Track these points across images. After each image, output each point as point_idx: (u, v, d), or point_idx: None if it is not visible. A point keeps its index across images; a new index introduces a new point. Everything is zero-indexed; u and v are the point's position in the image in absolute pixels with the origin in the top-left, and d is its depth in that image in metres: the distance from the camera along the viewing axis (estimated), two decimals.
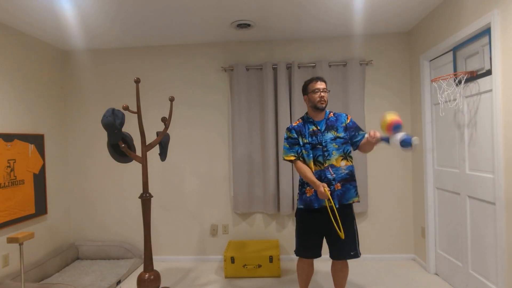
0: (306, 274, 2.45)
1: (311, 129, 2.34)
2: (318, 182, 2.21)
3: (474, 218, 2.53)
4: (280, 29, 3.31)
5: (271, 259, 3.17)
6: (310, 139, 2.32)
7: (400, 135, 2.03)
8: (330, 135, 2.31)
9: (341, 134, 2.32)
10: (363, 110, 3.46)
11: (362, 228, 3.57)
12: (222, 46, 3.67)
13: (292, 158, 2.35)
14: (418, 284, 2.94)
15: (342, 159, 2.30)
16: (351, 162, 2.35)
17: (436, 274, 3.12)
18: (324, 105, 2.31)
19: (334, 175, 2.27)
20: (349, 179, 2.31)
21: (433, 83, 3.02)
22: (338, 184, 2.28)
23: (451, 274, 2.86)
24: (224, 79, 3.67)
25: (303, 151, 2.33)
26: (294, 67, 3.47)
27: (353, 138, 2.35)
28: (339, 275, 2.40)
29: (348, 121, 2.36)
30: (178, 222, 3.71)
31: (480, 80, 2.39)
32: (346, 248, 2.29)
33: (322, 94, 2.30)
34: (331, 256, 2.34)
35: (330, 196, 2.14)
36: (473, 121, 2.51)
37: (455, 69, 2.70)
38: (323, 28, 3.31)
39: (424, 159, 3.18)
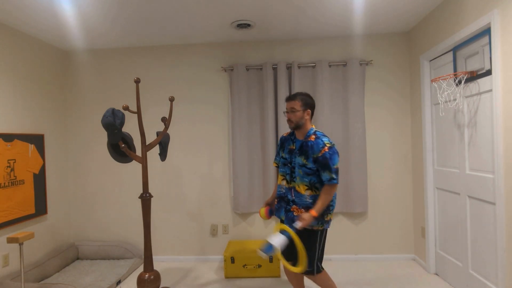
0: (291, 276, 2.43)
1: (289, 147, 2.30)
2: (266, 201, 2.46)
3: (474, 218, 2.53)
4: (280, 29, 3.31)
5: (271, 259, 3.17)
6: (286, 155, 2.30)
7: (271, 241, 2.04)
8: (299, 160, 2.20)
9: (309, 165, 2.16)
10: (363, 110, 3.46)
11: (362, 228, 3.57)
12: (222, 46, 3.67)
13: (275, 165, 2.52)
14: (418, 284, 2.94)
15: (307, 189, 2.19)
16: (317, 192, 2.19)
17: (436, 274, 3.12)
18: (292, 125, 2.23)
19: (294, 198, 2.23)
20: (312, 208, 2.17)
21: (433, 83, 3.02)
22: (298, 209, 2.20)
23: (451, 274, 2.86)
24: (224, 79, 3.67)
25: (279, 162, 2.42)
26: (294, 67, 3.47)
27: (320, 176, 2.18)
28: (295, 277, 2.43)
29: (320, 155, 2.12)
30: (178, 222, 3.71)
31: (480, 80, 2.39)
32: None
33: (289, 115, 2.23)
34: None
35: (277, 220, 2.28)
36: (473, 121, 2.51)
37: (455, 69, 2.70)
38: (323, 28, 3.31)
39: (424, 159, 3.18)
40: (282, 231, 2.09)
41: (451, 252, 2.86)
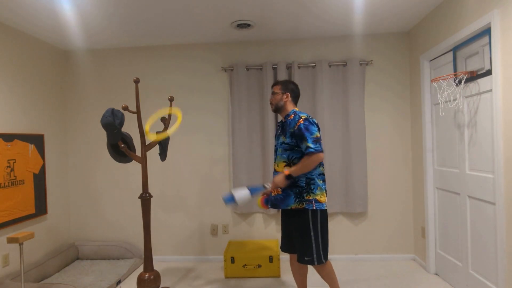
0: (294, 269, 2.45)
1: (277, 132, 2.41)
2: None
3: (474, 218, 2.53)
4: (280, 29, 3.30)
5: (271, 259, 3.17)
6: (275, 140, 2.42)
7: (233, 192, 2.17)
8: (280, 139, 2.30)
9: (287, 140, 2.24)
10: (363, 110, 3.46)
11: (362, 228, 3.57)
12: (222, 46, 3.67)
13: None
14: (418, 284, 2.94)
15: (285, 165, 2.25)
16: None
17: (436, 274, 3.12)
18: (272, 108, 2.39)
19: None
20: (290, 185, 2.23)
21: (433, 83, 3.02)
22: (278, 189, 2.27)
23: (451, 274, 2.86)
24: (224, 79, 3.67)
25: None
26: (294, 67, 3.47)
27: (300, 147, 2.24)
28: (298, 273, 2.45)
29: (296, 128, 2.19)
30: (178, 222, 3.71)
31: (480, 80, 2.39)
32: (300, 252, 2.25)
33: (270, 99, 2.39)
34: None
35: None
36: (473, 121, 2.50)
37: (455, 69, 2.70)
38: (323, 28, 3.31)
39: (424, 159, 3.18)
40: (251, 188, 2.18)
41: (451, 252, 2.86)
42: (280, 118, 3.48)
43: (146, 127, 2.47)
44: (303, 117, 2.22)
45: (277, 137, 2.38)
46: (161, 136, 2.49)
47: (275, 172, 2.33)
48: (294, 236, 2.30)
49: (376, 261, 3.53)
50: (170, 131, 2.53)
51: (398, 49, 3.52)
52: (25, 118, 3.19)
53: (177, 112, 2.61)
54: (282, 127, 2.32)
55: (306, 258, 2.22)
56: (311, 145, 2.14)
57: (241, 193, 2.12)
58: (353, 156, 3.44)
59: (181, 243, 3.71)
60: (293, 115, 2.28)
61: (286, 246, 2.41)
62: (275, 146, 2.38)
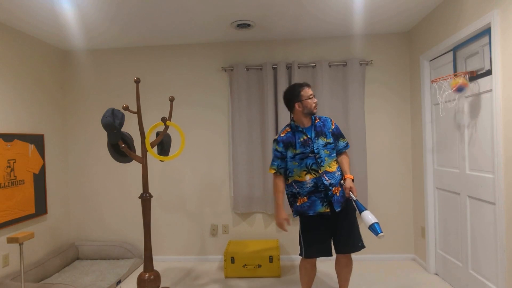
0: (308, 275, 2.43)
1: (301, 139, 2.30)
2: (280, 212, 2.33)
3: (474, 218, 2.53)
4: (280, 29, 3.31)
5: (271, 259, 3.17)
6: (301, 149, 2.29)
7: (372, 220, 2.06)
8: (321, 141, 2.31)
9: (331, 140, 2.34)
10: (363, 110, 3.46)
11: (362, 227, 3.56)
12: (222, 46, 3.67)
13: (272, 171, 2.38)
14: (418, 284, 2.94)
15: (335, 163, 2.36)
16: (337, 163, 2.42)
17: (436, 274, 3.12)
18: (316, 110, 2.37)
19: (330, 181, 2.28)
20: (342, 177, 2.38)
21: (433, 83, 3.02)
22: (337, 188, 2.30)
23: (451, 274, 2.86)
24: (224, 79, 3.67)
25: (293, 162, 2.31)
26: (294, 67, 3.47)
27: (335, 147, 2.39)
28: (345, 270, 2.41)
29: (333, 127, 2.39)
30: (178, 222, 3.71)
31: (480, 80, 2.39)
32: (355, 241, 2.30)
33: (315, 99, 2.33)
34: (340, 251, 2.33)
35: (285, 229, 2.36)
36: (473, 121, 2.50)
37: (455, 69, 2.70)
38: (323, 28, 3.31)
39: (424, 159, 3.18)
40: (360, 211, 2.15)
41: (451, 252, 2.86)
42: (282, 117, 3.47)
43: (148, 146, 2.55)
44: (329, 118, 2.44)
45: (311, 142, 2.29)
46: (167, 158, 2.65)
47: (327, 173, 2.28)
48: (345, 228, 2.29)
49: (376, 261, 3.53)
50: (176, 154, 2.67)
51: (398, 49, 3.52)
52: (25, 118, 3.19)
53: (176, 127, 2.66)
54: (316, 131, 2.33)
55: (359, 244, 2.32)
56: (346, 141, 2.43)
57: (370, 215, 2.10)
58: (353, 156, 3.44)
59: (181, 243, 3.71)
60: (318, 118, 2.40)
61: (321, 250, 2.33)
62: (307, 152, 2.28)
